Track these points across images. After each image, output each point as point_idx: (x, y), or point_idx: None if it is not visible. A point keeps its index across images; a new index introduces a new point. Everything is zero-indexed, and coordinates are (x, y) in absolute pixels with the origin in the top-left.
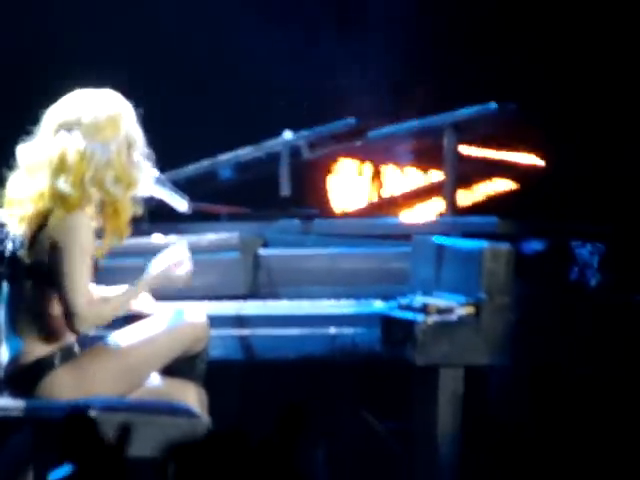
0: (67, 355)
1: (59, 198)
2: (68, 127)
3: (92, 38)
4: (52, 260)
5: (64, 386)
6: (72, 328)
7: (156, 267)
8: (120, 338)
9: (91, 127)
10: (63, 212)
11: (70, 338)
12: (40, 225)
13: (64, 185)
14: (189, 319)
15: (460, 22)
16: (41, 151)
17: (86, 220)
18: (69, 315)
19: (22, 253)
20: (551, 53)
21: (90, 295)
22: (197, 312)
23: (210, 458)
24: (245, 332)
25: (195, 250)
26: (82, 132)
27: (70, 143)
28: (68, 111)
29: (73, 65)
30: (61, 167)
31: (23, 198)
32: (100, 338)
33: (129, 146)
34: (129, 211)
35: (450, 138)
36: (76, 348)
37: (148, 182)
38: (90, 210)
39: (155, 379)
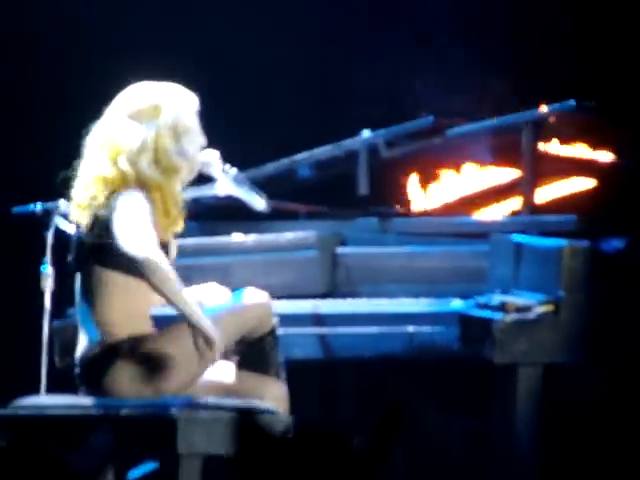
0: (135, 344)
1: (101, 179)
2: (115, 112)
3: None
4: (112, 230)
5: (129, 377)
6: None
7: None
8: (181, 324)
9: (131, 110)
10: (108, 192)
11: (141, 328)
12: (96, 209)
13: (102, 164)
14: (249, 300)
15: (538, 19)
16: (91, 138)
17: (137, 196)
18: (136, 264)
19: (85, 238)
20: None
21: (150, 244)
22: (257, 293)
23: (309, 458)
24: (324, 331)
25: (273, 248)
26: (124, 114)
27: (111, 125)
28: (119, 100)
29: (153, 67)
30: (100, 148)
31: (79, 188)
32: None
33: (176, 134)
34: (175, 199)
35: (528, 136)
36: (147, 339)
37: (219, 174)
38: (139, 194)
39: (234, 375)
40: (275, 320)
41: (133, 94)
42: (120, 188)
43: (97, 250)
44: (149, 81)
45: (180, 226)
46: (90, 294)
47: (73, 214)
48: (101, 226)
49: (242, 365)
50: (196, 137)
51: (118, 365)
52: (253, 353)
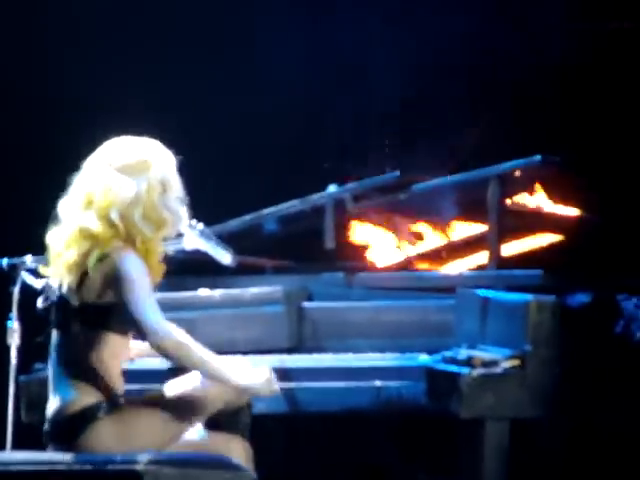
0: (112, 406)
1: (88, 234)
2: (101, 165)
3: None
4: (113, 296)
5: (106, 438)
6: (151, 346)
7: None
8: (162, 390)
9: (121, 164)
10: (99, 252)
11: (118, 389)
12: (85, 268)
13: (91, 221)
14: (219, 387)
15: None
16: (73, 193)
17: (138, 261)
18: (145, 336)
19: (71, 297)
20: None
21: (159, 314)
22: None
23: None
24: (290, 385)
25: (240, 303)
26: (112, 169)
27: (98, 179)
28: (102, 153)
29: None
30: (88, 203)
31: (62, 246)
32: (144, 391)
33: (163, 189)
34: (159, 252)
35: (494, 190)
36: (122, 400)
37: (186, 229)
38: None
39: (200, 433)
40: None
41: (119, 148)
42: (108, 244)
43: (84, 311)
44: (129, 136)
45: (159, 280)
46: (69, 353)
47: (53, 271)
48: (89, 288)
49: (209, 423)
50: (179, 191)
51: (96, 426)
52: (226, 418)
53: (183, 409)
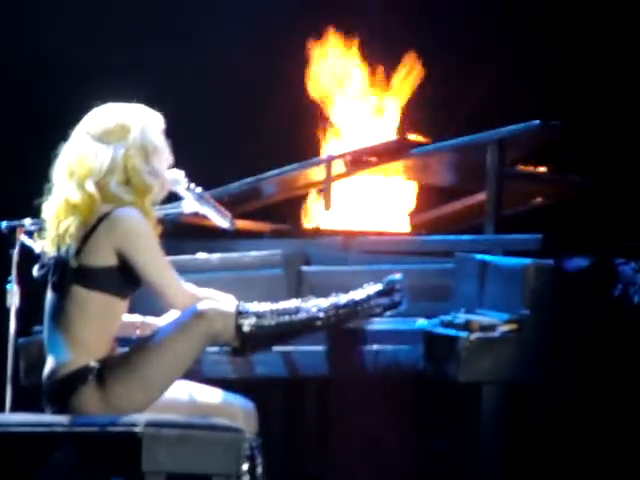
0: (103, 369)
1: (72, 207)
2: (81, 134)
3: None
4: (115, 258)
5: (92, 401)
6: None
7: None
8: (138, 348)
9: (98, 131)
10: (81, 220)
11: (111, 352)
12: (80, 234)
13: (71, 191)
14: (199, 310)
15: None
16: (59, 163)
17: (136, 211)
18: (164, 300)
19: (69, 260)
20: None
21: (182, 288)
22: (207, 303)
23: None
24: (288, 348)
25: (238, 267)
26: (89, 137)
27: (76, 149)
28: (83, 122)
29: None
30: (70, 174)
31: (52, 215)
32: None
33: (145, 154)
34: (150, 217)
35: (493, 155)
36: (113, 362)
37: (184, 192)
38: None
39: (202, 396)
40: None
41: (99, 116)
42: (88, 213)
43: (82, 273)
44: (114, 102)
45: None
46: (65, 315)
47: (49, 239)
48: (92, 250)
49: None
50: (165, 156)
51: (88, 387)
52: None
53: (158, 365)
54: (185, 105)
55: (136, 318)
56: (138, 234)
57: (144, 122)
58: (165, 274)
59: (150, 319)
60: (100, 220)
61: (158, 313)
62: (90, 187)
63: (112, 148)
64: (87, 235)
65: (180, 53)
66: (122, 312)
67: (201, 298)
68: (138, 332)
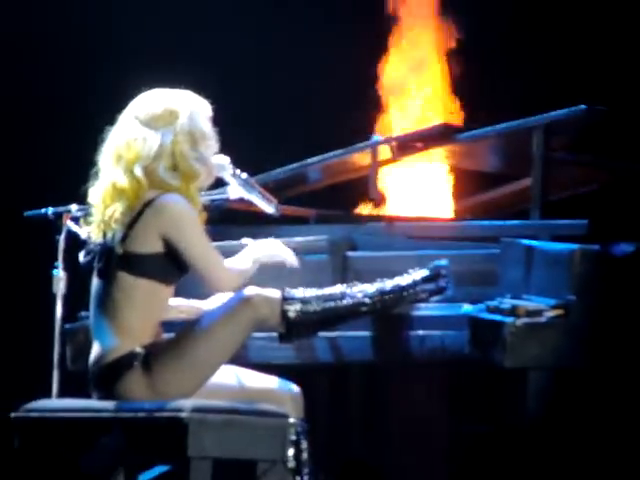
0: (149, 355)
1: (120, 191)
2: (129, 119)
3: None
4: (161, 245)
5: (138, 387)
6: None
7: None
8: (184, 334)
9: (147, 116)
10: (128, 205)
11: (157, 337)
12: (126, 220)
13: (119, 176)
14: (245, 296)
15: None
16: (106, 148)
17: (184, 203)
18: (211, 287)
19: (115, 246)
20: None
21: (227, 272)
22: (253, 289)
23: None
24: (333, 334)
25: None
26: (138, 122)
27: (125, 133)
28: (130, 107)
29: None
30: (117, 158)
31: (99, 201)
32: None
33: (193, 140)
34: (196, 204)
35: (539, 140)
36: (159, 348)
37: (229, 178)
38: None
39: (248, 380)
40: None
41: (147, 101)
42: (136, 198)
43: (127, 260)
44: (161, 88)
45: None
46: (111, 301)
47: (95, 225)
48: (138, 236)
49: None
50: (212, 142)
51: (134, 373)
52: None
53: (206, 350)
54: (231, 90)
55: (180, 302)
56: (184, 220)
57: (192, 108)
58: (211, 259)
59: (194, 302)
60: (146, 206)
61: (202, 297)
62: (138, 172)
63: (160, 133)
64: (133, 221)
65: (226, 37)
66: (168, 298)
67: (246, 280)
68: (183, 316)
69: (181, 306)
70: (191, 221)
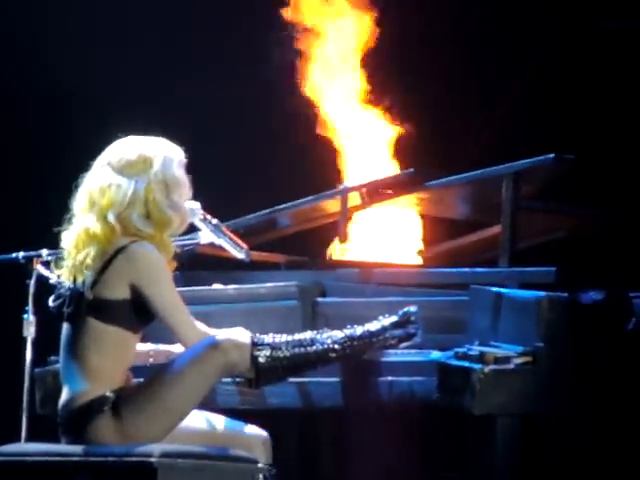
0: (119, 399)
1: (92, 237)
2: (103, 166)
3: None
4: (129, 292)
5: (108, 431)
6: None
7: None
8: (154, 379)
9: (121, 163)
10: (100, 250)
11: (125, 383)
12: (97, 266)
13: (92, 222)
14: (215, 341)
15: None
16: (79, 193)
17: (154, 251)
18: (177, 338)
19: (85, 292)
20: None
21: (193, 329)
22: (223, 333)
23: None
24: (303, 379)
25: (254, 298)
26: (112, 169)
27: (98, 180)
28: (105, 153)
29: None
30: (90, 204)
31: (71, 246)
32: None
33: (167, 188)
34: (168, 252)
35: (508, 188)
36: (129, 393)
37: (200, 223)
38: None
39: (216, 426)
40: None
41: (121, 148)
42: (109, 244)
43: (97, 305)
44: (135, 135)
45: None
46: (80, 346)
47: (66, 269)
48: (108, 283)
49: None
50: (185, 189)
51: (103, 417)
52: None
53: (175, 396)
54: (202, 137)
55: (150, 346)
56: (153, 270)
57: (166, 155)
58: (177, 311)
59: (164, 347)
60: (117, 253)
61: (171, 340)
62: (111, 218)
63: (134, 181)
64: (104, 267)
65: (194, 85)
66: (135, 345)
67: (211, 334)
68: (151, 360)
69: (151, 351)
70: (160, 271)
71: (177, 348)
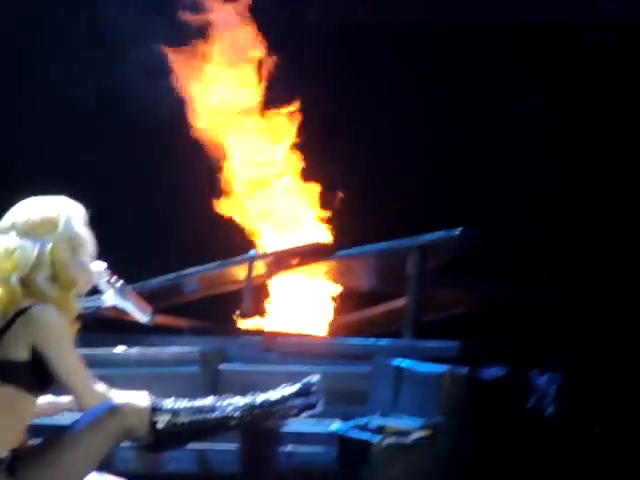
0: (14, 461)
1: None
2: (5, 230)
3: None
4: (28, 354)
5: None
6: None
7: None
8: (51, 441)
9: (25, 226)
10: (3, 310)
11: (21, 444)
12: (5, 324)
13: None
14: (113, 405)
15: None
16: None
17: (57, 314)
18: (76, 400)
19: None
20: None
21: (93, 393)
22: (122, 397)
23: None
24: (202, 446)
25: (156, 363)
26: (16, 232)
27: (1, 243)
28: (8, 216)
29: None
30: None
31: None
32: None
33: (72, 247)
34: (72, 313)
35: (414, 261)
36: (24, 454)
37: (104, 285)
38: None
39: None
40: None
41: (24, 210)
42: (10, 307)
43: None
44: (37, 196)
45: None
46: None
47: None
48: (8, 344)
49: None
50: (89, 248)
51: None
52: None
53: (72, 461)
54: (108, 197)
55: (49, 398)
56: (53, 332)
57: (69, 215)
58: (77, 374)
59: (64, 398)
60: (18, 314)
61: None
62: (14, 281)
63: (39, 243)
64: (4, 328)
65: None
66: (33, 407)
67: (112, 397)
68: (41, 413)
69: (42, 405)
70: (61, 333)
71: (67, 400)
